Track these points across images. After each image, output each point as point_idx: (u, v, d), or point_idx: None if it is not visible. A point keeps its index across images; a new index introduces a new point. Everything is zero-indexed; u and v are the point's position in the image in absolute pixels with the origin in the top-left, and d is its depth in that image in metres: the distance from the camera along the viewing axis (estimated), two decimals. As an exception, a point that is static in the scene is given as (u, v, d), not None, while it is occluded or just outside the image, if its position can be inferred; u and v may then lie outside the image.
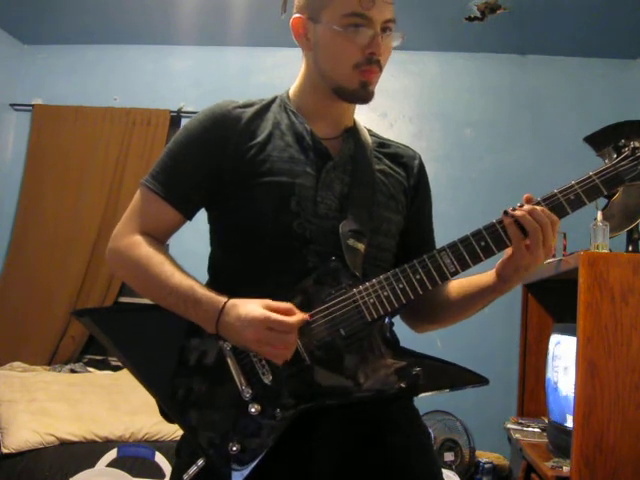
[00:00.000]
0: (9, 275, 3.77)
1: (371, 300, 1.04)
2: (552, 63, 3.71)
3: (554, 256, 2.72)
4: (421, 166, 1.28)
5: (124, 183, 3.77)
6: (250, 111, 1.16)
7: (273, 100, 1.21)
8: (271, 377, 1.03)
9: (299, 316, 1.00)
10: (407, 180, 1.24)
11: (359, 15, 1.07)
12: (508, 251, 1.05)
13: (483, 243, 1.03)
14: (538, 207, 1.01)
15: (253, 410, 1.02)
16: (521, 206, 1.02)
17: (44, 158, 3.87)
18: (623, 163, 1.04)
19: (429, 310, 1.23)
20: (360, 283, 1.05)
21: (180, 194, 1.14)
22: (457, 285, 1.18)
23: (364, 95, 1.13)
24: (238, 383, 1.03)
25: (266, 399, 1.02)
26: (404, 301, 1.05)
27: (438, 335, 3.28)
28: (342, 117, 1.21)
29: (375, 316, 1.04)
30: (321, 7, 1.10)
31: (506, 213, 1.02)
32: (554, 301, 3.21)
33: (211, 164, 1.12)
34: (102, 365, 3.56)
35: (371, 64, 1.10)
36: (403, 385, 1.03)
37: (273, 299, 1.02)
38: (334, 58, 1.11)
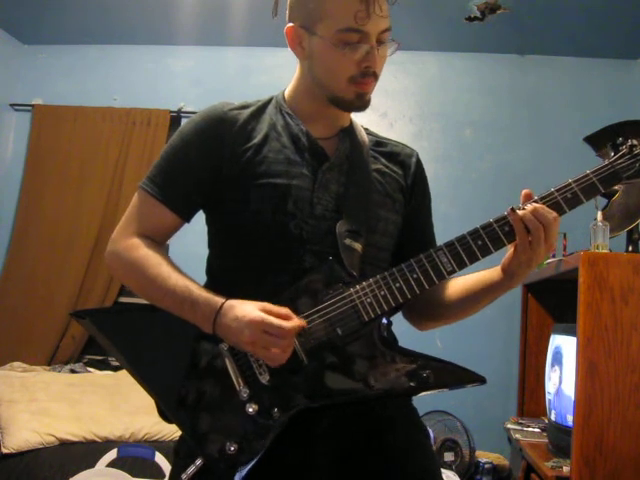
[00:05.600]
0: (9, 275, 3.77)
1: (368, 300, 1.04)
2: (552, 63, 3.71)
3: (554, 256, 2.73)
4: (418, 164, 1.28)
5: (124, 183, 3.76)
6: (246, 113, 1.16)
7: (269, 101, 1.21)
8: (268, 377, 1.03)
9: (296, 322, 1.00)
10: (404, 178, 1.23)
11: (354, 30, 1.05)
12: (511, 247, 1.05)
13: (480, 242, 1.04)
14: (538, 205, 1.01)
15: (250, 410, 1.02)
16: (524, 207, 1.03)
17: (44, 158, 3.87)
18: (620, 161, 1.05)
19: (433, 307, 1.23)
20: (357, 282, 1.05)
21: (177, 196, 1.14)
22: (462, 282, 1.17)
23: (360, 104, 1.13)
24: (235, 383, 1.03)
25: (263, 399, 1.02)
26: (401, 300, 1.05)
27: (438, 335, 3.29)
28: (338, 118, 1.20)
29: (372, 316, 1.04)
30: (316, 20, 1.08)
31: (513, 210, 1.02)
32: (554, 301, 3.21)
33: (207, 166, 1.12)
34: (102, 365, 3.56)
35: (366, 77, 1.10)
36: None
37: (270, 300, 1.02)
38: (329, 71, 1.11)
